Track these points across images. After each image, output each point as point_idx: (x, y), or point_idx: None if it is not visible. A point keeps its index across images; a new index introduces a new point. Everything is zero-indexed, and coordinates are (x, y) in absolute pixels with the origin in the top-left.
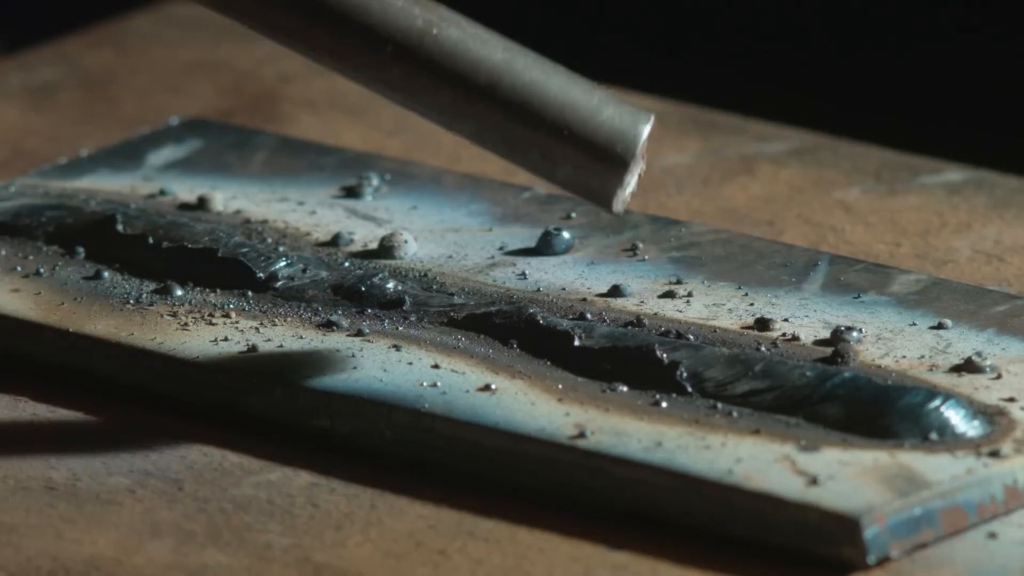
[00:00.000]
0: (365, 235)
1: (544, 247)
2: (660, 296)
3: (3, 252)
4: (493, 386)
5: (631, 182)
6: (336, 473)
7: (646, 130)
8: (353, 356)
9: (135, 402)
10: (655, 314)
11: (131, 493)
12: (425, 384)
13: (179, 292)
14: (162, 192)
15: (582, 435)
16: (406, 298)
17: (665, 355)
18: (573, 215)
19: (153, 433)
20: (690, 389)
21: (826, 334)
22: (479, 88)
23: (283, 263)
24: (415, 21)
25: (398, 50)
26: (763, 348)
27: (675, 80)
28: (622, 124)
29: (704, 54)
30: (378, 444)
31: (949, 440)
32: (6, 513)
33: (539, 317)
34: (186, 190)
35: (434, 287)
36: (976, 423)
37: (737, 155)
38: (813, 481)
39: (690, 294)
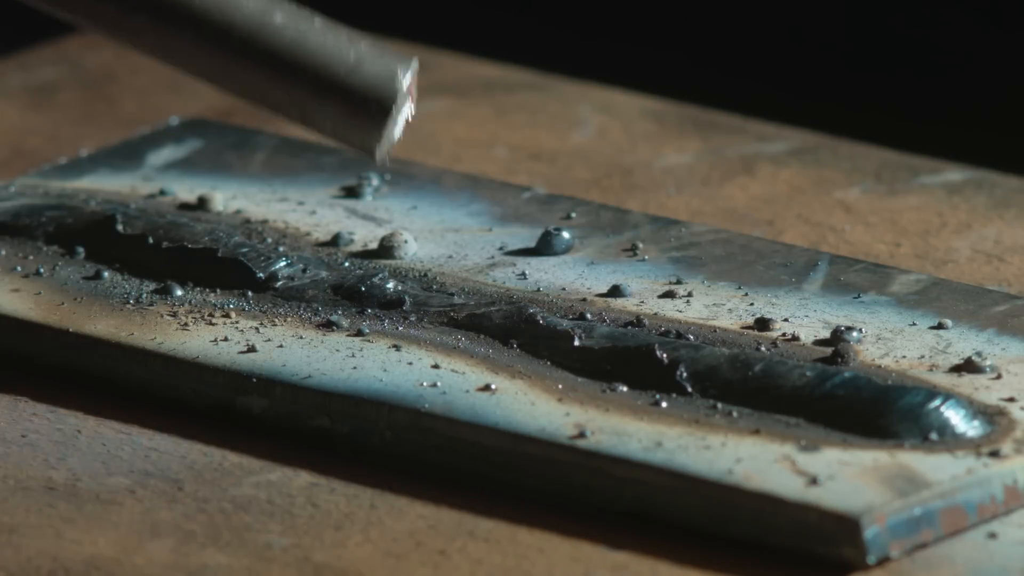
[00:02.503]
0: (365, 235)
1: (544, 247)
2: (660, 296)
3: (3, 252)
4: (493, 386)
5: (397, 129)
6: (336, 473)
7: (405, 81)
8: (353, 356)
9: (135, 402)
10: (655, 314)
11: (131, 493)
12: (425, 384)
13: (179, 292)
14: (162, 192)
15: (582, 435)
16: (406, 298)
17: (665, 355)
18: (573, 215)
19: (153, 433)
20: (690, 389)
21: (826, 334)
22: (233, 50)
23: (283, 263)
24: None
25: (151, 18)
26: (763, 348)
27: (675, 80)
28: (378, 78)
29: (704, 54)
30: (378, 444)
31: (949, 440)
32: (6, 513)
33: (539, 317)
34: (186, 190)
35: (434, 287)
36: (976, 423)
37: (737, 155)
38: (813, 481)
39: (690, 294)
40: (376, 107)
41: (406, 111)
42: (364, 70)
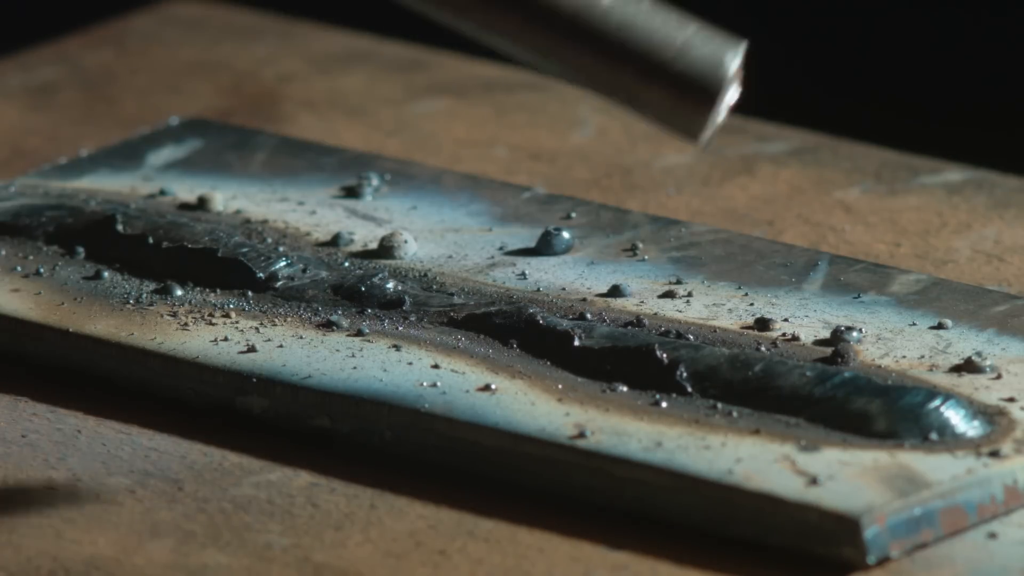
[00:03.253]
0: (365, 235)
1: (544, 247)
2: (660, 296)
3: (3, 252)
4: (493, 386)
5: (722, 113)
6: (336, 473)
7: (733, 65)
8: (353, 356)
9: (135, 402)
10: (655, 314)
11: (131, 493)
12: (425, 384)
13: (179, 292)
14: (162, 192)
15: (582, 435)
16: (406, 298)
17: (665, 355)
18: (573, 215)
19: (153, 433)
20: (690, 389)
21: (826, 334)
22: (560, 31)
23: (283, 263)
24: None
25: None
26: (763, 348)
27: None
28: (706, 63)
29: None
30: (378, 444)
31: (949, 440)
32: (6, 513)
33: (539, 317)
34: (186, 190)
35: (434, 287)
36: (976, 423)
37: (737, 155)
38: (813, 481)
39: (690, 294)
40: (702, 93)
41: (731, 96)
42: (691, 54)
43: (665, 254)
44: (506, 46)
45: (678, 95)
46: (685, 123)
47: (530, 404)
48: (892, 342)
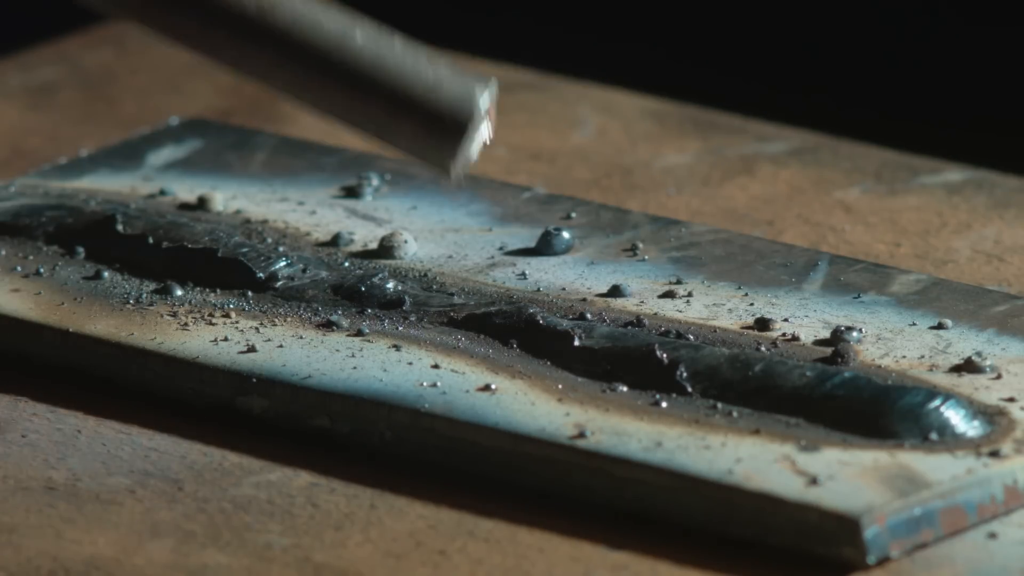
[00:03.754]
0: (365, 235)
1: (544, 247)
2: (660, 296)
3: (3, 252)
4: (493, 386)
5: (473, 149)
6: (336, 473)
7: (484, 101)
8: (353, 356)
9: (135, 402)
10: (655, 314)
11: (131, 493)
12: (425, 384)
13: (179, 292)
14: (162, 192)
15: (582, 435)
16: (406, 298)
17: (665, 355)
18: (573, 215)
19: (153, 433)
20: (690, 389)
21: (826, 334)
22: (313, 67)
23: (283, 263)
24: (247, 5)
25: (231, 33)
26: (763, 348)
27: (675, 80)
28: (456, 96)
29: (704, 54)
30: (378, 444)
31: (949, 440)
32: (6, 513)
33: (539, 317)
34: (186, 190)
35: (434, 287)
36: (976, 423)
37: (737, 155)
38: (813, 481)
39: (690, 294)
40: (452, 125)
41: (484, 132)
42: (442, 89)
43: (665, 254)
44: (261, 81)
45: (429, 126)
46: (436, 154)
47: (530, 404)
48: (892, 342)
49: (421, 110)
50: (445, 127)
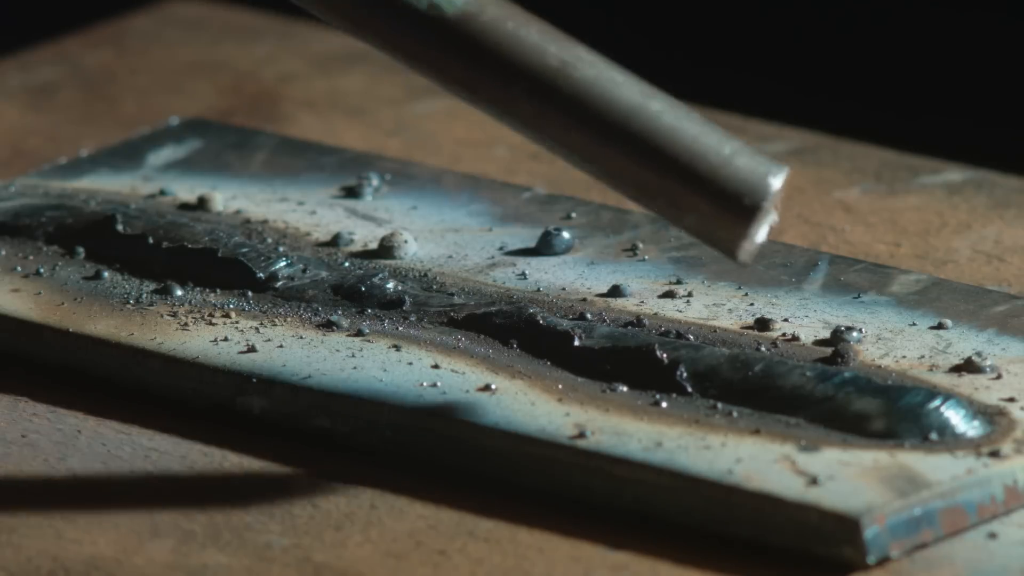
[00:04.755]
0: (365, 235)
1: (544, 247)
2: (660, 296)
3: (3, 252)
4: (493, 386)
5: (760, 232)
6: (336, 473)
7: (777, 182)
8: (353, 356)
9: (135, 402)
10: (655, 314)
11: (131, 493)
12: (425, 384)
13: (179, 292)
14: (162, 192)
15: (582, 435)
16: (406, 298)
17: (665, 355)
18: (573, 215)
19: (153, 433)
20: (690, 389)
21: (826, 334)
22: (608, 131)
23: (283, 263)
24: (549, 60)
25: (529, 88)
26: (763, 348)
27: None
28: (751, 175)
29: (704, 54)
30: (378, 444)
31: (949, 440)
32: (6, 513)
33: (539, 317)
34: (186, 190)
35: (434, 287)
36: (976, 423)
37: None
38: (813, 481)
39: (690, 294)
40: (746, 203)
41: (772, 218)
42: (737, 165)
43: (665, 254)
44: (554, 144)
45: (721, 203)
46: (725, 233)
47: (530, 404)
48: (892, 342)
49: (713, 184)
50: (737, 204)
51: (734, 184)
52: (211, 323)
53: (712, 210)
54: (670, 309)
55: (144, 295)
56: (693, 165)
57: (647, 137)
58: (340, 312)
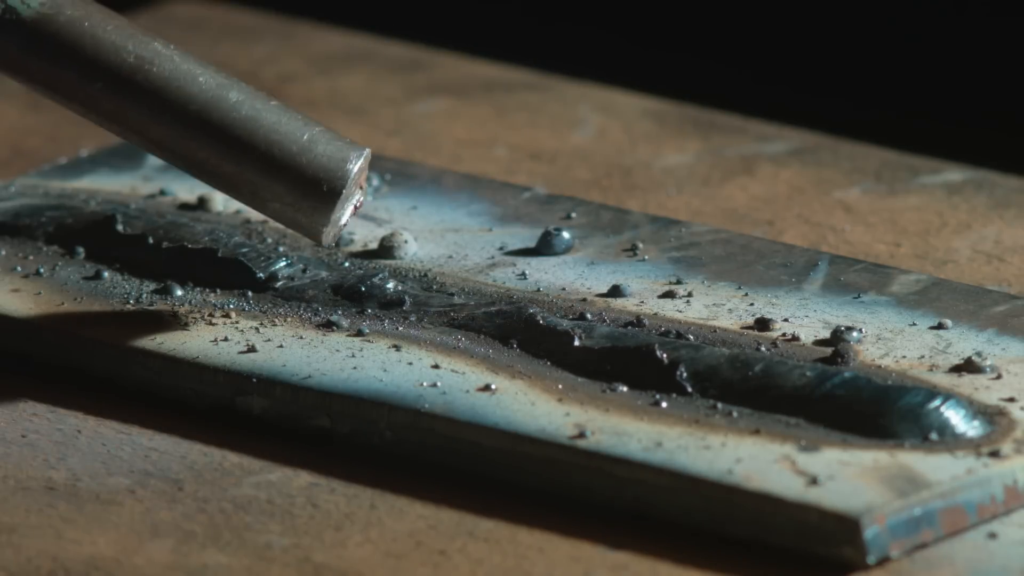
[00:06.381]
0: (365, 235)
1: (544, 247)
2: (660, 296)
3: (3, 252)
4: (493, 386)
5: (344, 215)
6: (336, 473)
7: (355, 167)
8: (353, 356)
9: (135, 402)
10: (655, 314)
11: (131, 493)
12: (425, 384)
13: (179, 292)
14: (162, 192)
15: (582, 435)
16: (406, 298)
17: (665, 355)
18: (573, 215)
19: (153, 433)
20: (690, 389)
21: (826, 334)
22: (187, 124)
23: (283, 263)
24: (126, 57)
25: (108, 85)
26: (763, 348)
27: (675, 80)
28: (329, 161)
29: (704, 54)
30: (378, 444)
31: (949, 440)
32: (6, 513)
33: (539, 317)
34: (186, 190)
35: (434, 287)
36: (976, 423)
37: (737, 155)
38: (813, 481)
39: (690, 294)
40: (326, 188)
41: (355, 199)
42: (316, 151)
43: (665, 254)
44: (137, 138)
45: (302, 189)
46: (308, 218)
47: (530, 404)
48: (892, 342)
49: (294, 171)
50: (318, 190)
51: (312, 171)
52: (211, 323)
53: (292, 198)
54: (670, 309)
55: (144, 295)
56: (271, 153)
57: (225, 128)
58: (340, 312)
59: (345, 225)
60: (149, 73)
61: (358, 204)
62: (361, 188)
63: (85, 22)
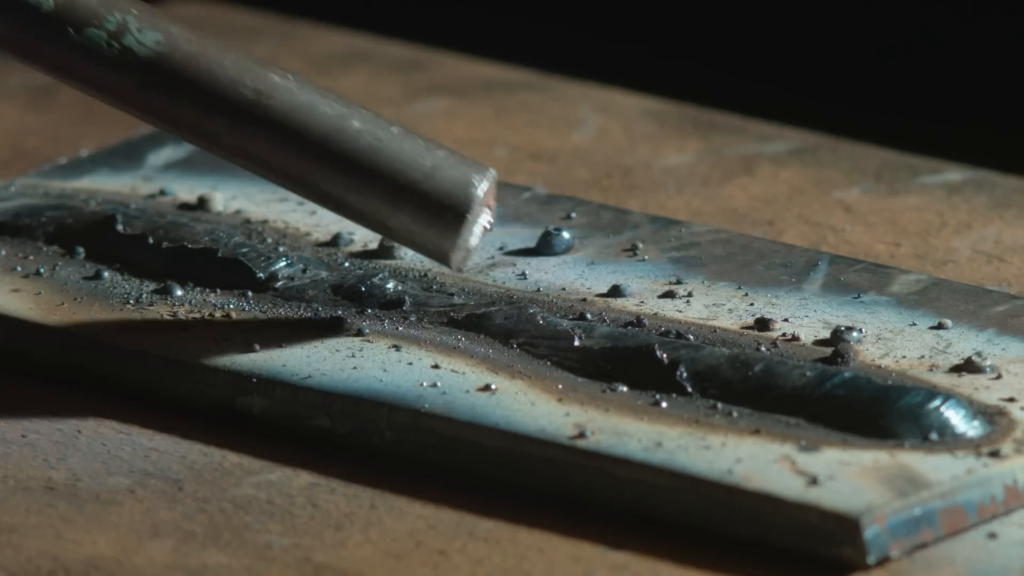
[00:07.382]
0: (365, 235)
1: (544, 247)
2: (660, 296)
3: (3, 252)
4: (493, 386)
5: (472, 238)
6: (336, 473)
7: (480, 190)
8: (353, 356)
9: (135, 402)
10: (655, 314)
11: (131, 493)
12: (425, 384)
13: (179, 292)
14: (162, 192)
15: (582, 435)
16: (406, 298)
17: (665, 355)
18: (573, 215)
19: (153, 433)
20: (690, 389)
21: (826, 334)
22: (309, 155)
23: (283, 263)
24: (244, 92)
25: (228, 121)
26: (763, 348)
27: (675, 80)
28: (454, 187)
29: (704, 54)
30: (378, 444)
31: (949, 440)
32: (6, 513)
33: (539, 317)
34: (186, 190)
35: (434, 287)
36: (976, 423)
37: (737, 155)
38: (813, 481)
39: (690, 294)
40: (451, 213)
41: (483, 220)
42: (440, 176)
43: (665, 254)
44: (259, 170)
45: (427, 215)
46: (436, 243)
47: (530, 404)
48: (892, 342)
49: (418, 198)
50: (443, 216)
51: (437, 197)
52: (211, 323)
53: (418, 226)
54: (670, 309)
55: (144, 295)
56: (395, 182)
57: (347, 158)
58: (340, 312)
59: (476, 248)
60: (268, 107)
61: (487, 225)
62: (490, 208)
63: (201, 58)
